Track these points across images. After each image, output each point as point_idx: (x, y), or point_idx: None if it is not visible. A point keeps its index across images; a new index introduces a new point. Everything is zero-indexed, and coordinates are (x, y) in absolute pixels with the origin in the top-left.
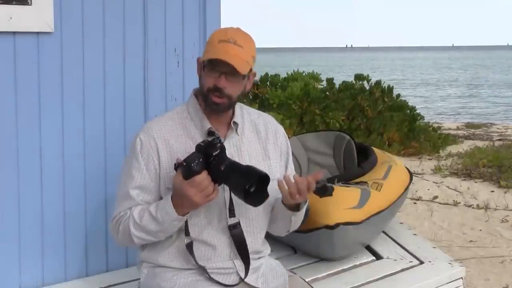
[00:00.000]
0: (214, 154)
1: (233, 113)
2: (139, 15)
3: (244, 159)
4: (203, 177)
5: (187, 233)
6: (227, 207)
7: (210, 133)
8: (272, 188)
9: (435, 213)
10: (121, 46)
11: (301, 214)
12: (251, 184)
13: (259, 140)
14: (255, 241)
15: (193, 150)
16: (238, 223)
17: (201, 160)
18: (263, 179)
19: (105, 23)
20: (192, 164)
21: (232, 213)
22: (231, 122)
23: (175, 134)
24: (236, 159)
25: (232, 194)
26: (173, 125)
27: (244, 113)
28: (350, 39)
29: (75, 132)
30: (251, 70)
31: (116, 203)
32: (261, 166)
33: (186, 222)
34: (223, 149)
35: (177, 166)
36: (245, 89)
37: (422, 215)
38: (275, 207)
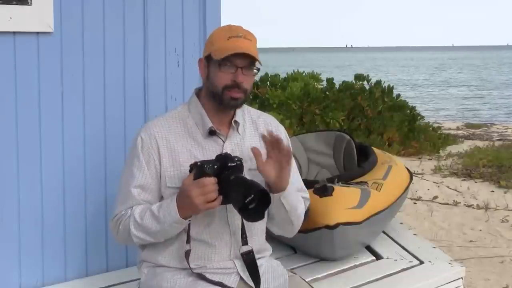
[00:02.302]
0: (230, 165)
1: (234, 112)
2: (139, 15)
3: (245, 158)
4: (210, 181)
5: (188, 240)
6: (240, 233)
7: (211, 132)
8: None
9: (435, 213)
10: (121, 46)
11: (289, 195)
12: (252, 199)
13: (260, 140)
14: (255, 243)
15: (194, 149)
16: (251, 251)
17: (215, 167)
18: (264, 195)
19: (105, 23)
20: (206, 166)
21: (244, 241)
22: (232, 121)
23: (176, 133)
24: None
25: (244, 221)
26: (174, 124)
27: (245, 113)
28: (350, 39)
29: (75, 132)
30: None
31: (116, 202)
32: None
33: (189, 228)
34: (240, 167)
35: (192, 167)
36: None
37: (422, 215)
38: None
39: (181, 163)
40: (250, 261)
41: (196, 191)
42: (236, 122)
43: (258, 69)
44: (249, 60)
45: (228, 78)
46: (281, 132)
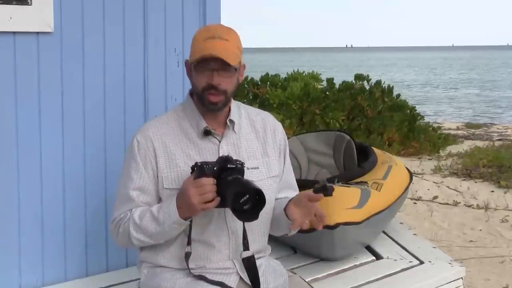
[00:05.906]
0: (229, 167)
1: (229, 111)
2: (139, 15)
3: (243, 157)
4: (208, 182)
5: (188, 242)
6: (241, 236)
7: (206, 132)
8: (271, 187)
9: (435, 213)
10: (121, 46)
11: None
12: (247, 199)
13: (257, 137)
14: (256, 245)
15: (190, 150)
16: (252, 256)
17: (215, 168)
18: (259, 195)
19: (105, 23)
20: (205, 166)
21: (246, 247)
22: (227, 120)
23: (172, 134)
24: (234, 157)
25: (246, 225)
26: (170, 125)
27: (241, 111)
28: (350, 39)
29: (75, 133)
30: (240, 61)
31: (115, 205)
32: (260, 163)
33: (190, 230)
34: (241, 169)
35: (193, 168)
36: (238, 82)
37: (422, 215)
38: (276, 210)
39: (178, 164)
40: (250, 266)
41: (194, 190)
42: (231, 121)
43: (236, 69)
44: (225, 62)
45: (204, 80)
46: (278, 129)
